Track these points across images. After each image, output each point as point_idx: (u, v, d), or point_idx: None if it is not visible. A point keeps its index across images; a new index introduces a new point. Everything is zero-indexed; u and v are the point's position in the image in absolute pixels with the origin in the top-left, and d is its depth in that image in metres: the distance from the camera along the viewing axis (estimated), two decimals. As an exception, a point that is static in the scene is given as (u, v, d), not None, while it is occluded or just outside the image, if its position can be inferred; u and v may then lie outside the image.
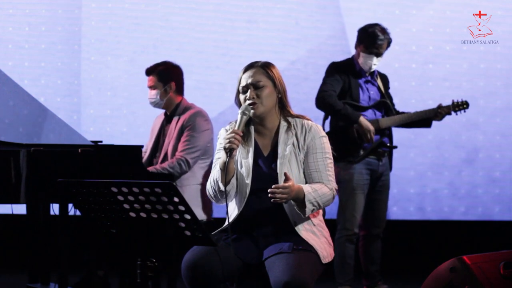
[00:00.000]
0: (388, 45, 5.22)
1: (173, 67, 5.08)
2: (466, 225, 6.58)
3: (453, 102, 5.35)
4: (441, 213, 6.53)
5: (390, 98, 5.39)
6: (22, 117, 5.01)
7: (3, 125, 4.83)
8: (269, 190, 3.19)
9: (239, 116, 3.34)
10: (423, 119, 5.33)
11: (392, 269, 6.12)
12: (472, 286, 3.44)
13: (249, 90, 3.37)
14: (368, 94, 5.26)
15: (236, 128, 3.30)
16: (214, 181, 3.36)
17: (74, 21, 6.43)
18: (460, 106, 5.36)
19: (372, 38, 5.16)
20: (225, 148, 3.25)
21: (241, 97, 3.39)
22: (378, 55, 5.18)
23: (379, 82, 5.33)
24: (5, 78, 5.00)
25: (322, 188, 3.33)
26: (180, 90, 5.05)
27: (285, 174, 3.22)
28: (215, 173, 3.36)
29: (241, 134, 3.30)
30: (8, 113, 4.93)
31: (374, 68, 5.24)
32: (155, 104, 5.07)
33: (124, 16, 6.47)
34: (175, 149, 4.93)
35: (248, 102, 3.34)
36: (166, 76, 5.02)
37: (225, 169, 3.26)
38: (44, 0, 6.46)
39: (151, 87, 5.03)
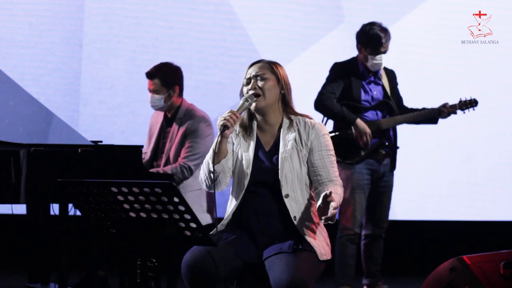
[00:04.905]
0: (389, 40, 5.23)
1: (176, 69, 5.00)
2: (466, 225, 6.57)
3: (460, 101, 5.32)
4: (441, 213, 6.53)
5: (397, 96, 5.36)
6: (22, 117, 5.00)
7: (3, 125, 4.82)
8: (323, 218, 3.14)
9: (241, 102, 3.37)
10: (427, 117, 5.32)
11: (392, 269, 6.12)
12: (472, 286, 3.45)
13: (252, 81, 3.40)
14: (371, 94, 5.24)
15: (235, 110, 3.32)
16: (206, 162, 3.38)
17: (74, 21, 6.42)
18: (468, 104, 5.32)
19: (376, 40, 5.13)
20: (218, 126, 3.28)
21: (245, 89, 3.44)
22: (385, 53, 5.18)
23: (384, 80, 5.30)
24: (5, 78, 4.99)
25: (337, 189, 3.33)
26: (181, 93, 5.03)
27: (331, 193, 3.15)
28: (207, 155, 3.38)
29: (238, 116, 3.32)
30: (8, 113, 4.92)
31: (382, 66, 5.23)
32: (158, 108, 5.03)
33: (124, 16, 6.46)
34: (177, 154, 4.91)
35: (251, 92, 3.38)
36: (170, 80, 4.95)
37: (216, 147, 3.28)
38: (44, 0, 6.45)
39: (154, 91, 4.95)
